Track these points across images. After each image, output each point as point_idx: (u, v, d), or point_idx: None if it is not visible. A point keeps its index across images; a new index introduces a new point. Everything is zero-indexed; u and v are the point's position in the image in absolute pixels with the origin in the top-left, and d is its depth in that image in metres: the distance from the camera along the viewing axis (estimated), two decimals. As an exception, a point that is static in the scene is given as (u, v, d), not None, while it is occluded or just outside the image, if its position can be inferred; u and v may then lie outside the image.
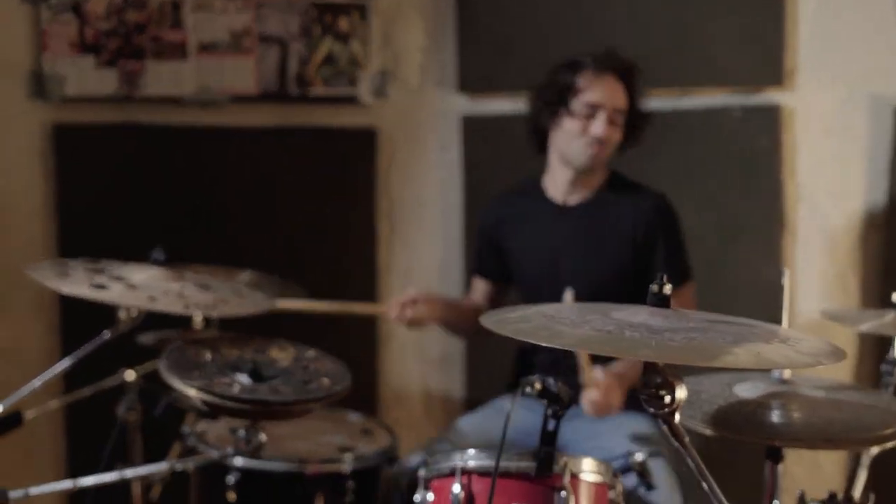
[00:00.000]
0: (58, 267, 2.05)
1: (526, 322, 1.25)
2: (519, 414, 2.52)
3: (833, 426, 1.46)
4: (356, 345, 3.38)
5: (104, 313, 3.02)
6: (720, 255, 3.13)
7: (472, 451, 1.57)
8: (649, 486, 1.74)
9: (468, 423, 2.47)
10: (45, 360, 3.28)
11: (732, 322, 1.27)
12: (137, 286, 1.94)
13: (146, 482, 2.59)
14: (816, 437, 1.45)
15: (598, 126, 2.43)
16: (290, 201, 3.48)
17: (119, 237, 3.21)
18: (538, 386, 1.43)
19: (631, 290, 2.42)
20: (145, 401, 2.16)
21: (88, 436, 3.22)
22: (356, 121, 3.58)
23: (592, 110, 2.45)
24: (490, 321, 1.30)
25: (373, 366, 3.58)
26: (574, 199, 2.52)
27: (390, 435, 2.30)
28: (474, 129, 3.58)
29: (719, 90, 3.23)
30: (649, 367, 1.24)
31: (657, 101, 3.22)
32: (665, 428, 1.25)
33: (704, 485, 1.23)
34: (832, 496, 1.58)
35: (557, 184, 2.55)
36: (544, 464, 1.46)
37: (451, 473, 1.56)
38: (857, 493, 1.60)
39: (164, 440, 2.55)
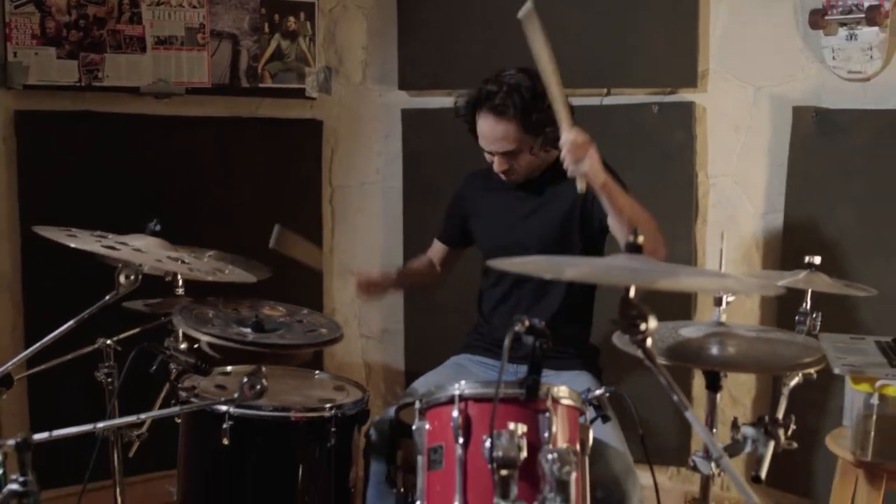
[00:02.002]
0: (63, 231, 2.21)
1: (533, 264, 1.53)
2: (473, 369, 2.80)
3: (764, 356, 1.79)
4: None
5: (64, 289, 3.21)
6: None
7: (464, 382, 1.83)
8: (605, 419, 2.03)
9: (425, 381, 2.70)
10: (9, 334, 3.40)
11: (690, 267, 1.57)
12: (143, 250, 2.14)
13: (125, 440, 2.79)
14: (751, 364, 1.77)
15: (496, 165, 2.67)
16: (240, 187, 3.68)
17: (77, 219, 3.35)
18: (526, 323, 1.70)
19: (575, 241, 2.71)
20: (141, 359, 2.34)
21: (49, 399, 3.35)
22: (302, 113, 3.82)
23: (488, 154, 2.69)
24: (502, 265, 1.57)
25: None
26: (522, 179, 2.77)
27: (360, 390, 2.53)
28: (413, 121, 3.85)
29: (640, 90, 3.53)
30: (629, 302, 1.54)
31: (585, 99, 3.55)
32: (640, 351, 1.55)
33: (675, 397, 1.52)
34: (761, 419, 1.90)
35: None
36: (532, 390, 1.74)
37: (449, 401, 1.82)
38: (780, 416, 1.90)
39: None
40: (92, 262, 2.86)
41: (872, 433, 2.32)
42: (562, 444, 1.75)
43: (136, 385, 2.46)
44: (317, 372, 2.71)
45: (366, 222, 3.98)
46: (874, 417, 2.31)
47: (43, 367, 2.72)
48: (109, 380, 2.70)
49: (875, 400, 2.30)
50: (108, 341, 2.71)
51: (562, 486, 1.54)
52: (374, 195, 3.98)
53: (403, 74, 3.84)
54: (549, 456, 1.56)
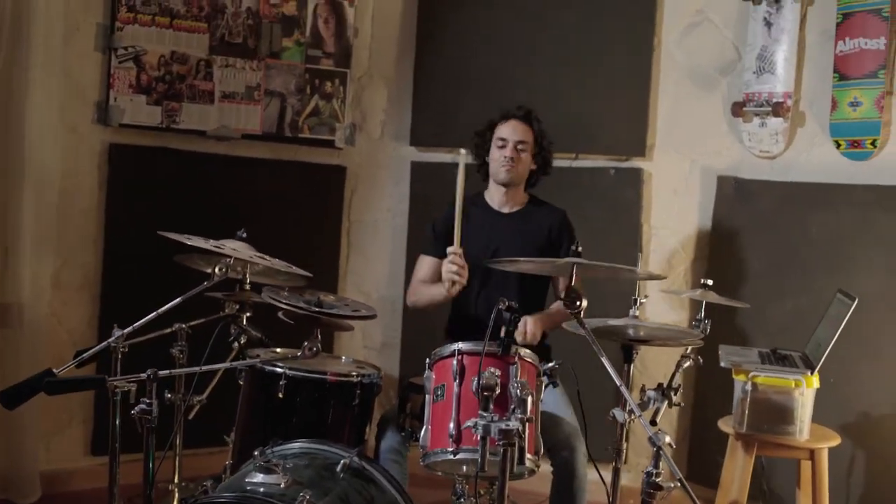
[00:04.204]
0: (182, 235, 3.03)
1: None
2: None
3: (663, 336, 2.68)
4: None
5: (133, 289, 4.01)
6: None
7: (460, 343, 2.69)
8: (555, 384, 2.88)
9: None
10: (87, 323, 4.22)
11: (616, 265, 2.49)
12: (237, 250, 3.01)
13: (188, 404, 3.61)
14: (655, 339, 2.67)
15: (507, 150, 3.52)
16: (278, 215, 4.52)
17: (149, 235, 4.12)
18: (506, 303, 2.57)
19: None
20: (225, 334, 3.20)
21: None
22: (331, 160, 4.73)
23: (503, 142, 3.55)
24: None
25: (329, 349, 4.63)
26: (506, 210, 3.61)
27: (376, 369, 3.37)
28: (420, 172, 4.74)
29: (601, 157, 4.43)
30: (571, 289, 2.43)
31: (560, 161, 4.43)
32: (576, 320, 2.43)
33: (603, 360, 2.38)
34: (660, 385, 2.78)
35: (494, 199, 3.62)
36: (506, 348, 2.60)
37: (450, 355, 2.68)
38: (675, 385, 2.78)
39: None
40: (156, 270, 3.71)
41: (747, 411, 3.21)
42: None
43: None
44: (343, 357, 3.57)
45: (375, 252, 4.87)
46: (748, 399, 3.20)
47: (137, 339, 3.53)
48: (181, 355, 3.57)
49: (749, 386, 3.20)
50: (183, 325, 3.57)
51: (522, 403, 2.40)
52: (384, 230, 4.87)
53: (415, 133, 4.76)
54: (516, 384, 2.43)
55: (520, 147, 3.55)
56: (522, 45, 4.56)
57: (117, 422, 2.75)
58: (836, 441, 3.27)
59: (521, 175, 3.58)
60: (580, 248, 2.51)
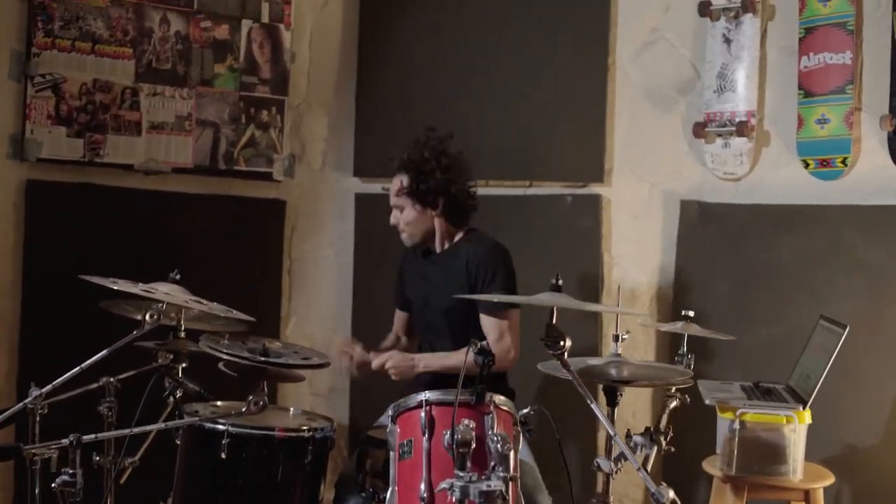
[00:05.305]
0: (108, 280, 2.73)
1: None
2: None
3: (649, 376, 2.43)
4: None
5: (55, 341, 3.66)
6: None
7: (428, 392, 2.41)
8: (530, 433, 2.62)
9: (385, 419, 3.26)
10: (3, 379, 3.83)
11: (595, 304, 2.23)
12: (168, 293, 2.70)
13: (119, 467, 3.27)
14: (639, 381, 2.42)
15: (392, 217, 3.35)
16: (212, 255, 4.19)
17: (71, 279, 3.82)
18: (479, 345, 2.30)
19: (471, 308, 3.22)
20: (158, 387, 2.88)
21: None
22: (268, 193, 4.43)
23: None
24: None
25: (273, 398, 4.29)
26: (440, 249, 3.35)
27: (328, 421, 3.08)
28: (365, 204, 4.47)
29: (557, 183, 4.21)
30: (552, 326, 2.17)
31: (512, 189, 4.24)
32: (559, 362, 2.17)
33: (593, 406, 2.13)
34: (647, 429, 2.53)
35: (434, 242, 3.38)
36: (480, 396, 2.33)
37: (417, 406, 2.39)
38: (663, 427, 2.54)
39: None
40: (80, 319, 3.41)
41: (735, 451, 2.98)
42: (502, 433, 2.34)
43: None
44: (291, 408, 3.26)
45: (319, 291, 4.56)
46: (736, 439, 2.97)
47: (59, 397, 3.20)
48: (110, 413, 3.22)
49: (736, 425, 2.97)
50: (112, 379, 3.24)
51: (503, 459, 2.13)
52: (328, 268, 4.57)
53: (358, 163, 4.49)
54: (495, 438, 2.16)
55: (397, 206, 3.34)
56: (470, 67, 4.34)
57: (37, 492, 2.46)
58: (829, 480, 3.06)
59: (420, 230, 3.34)
60: (560, 282, 2.26)
